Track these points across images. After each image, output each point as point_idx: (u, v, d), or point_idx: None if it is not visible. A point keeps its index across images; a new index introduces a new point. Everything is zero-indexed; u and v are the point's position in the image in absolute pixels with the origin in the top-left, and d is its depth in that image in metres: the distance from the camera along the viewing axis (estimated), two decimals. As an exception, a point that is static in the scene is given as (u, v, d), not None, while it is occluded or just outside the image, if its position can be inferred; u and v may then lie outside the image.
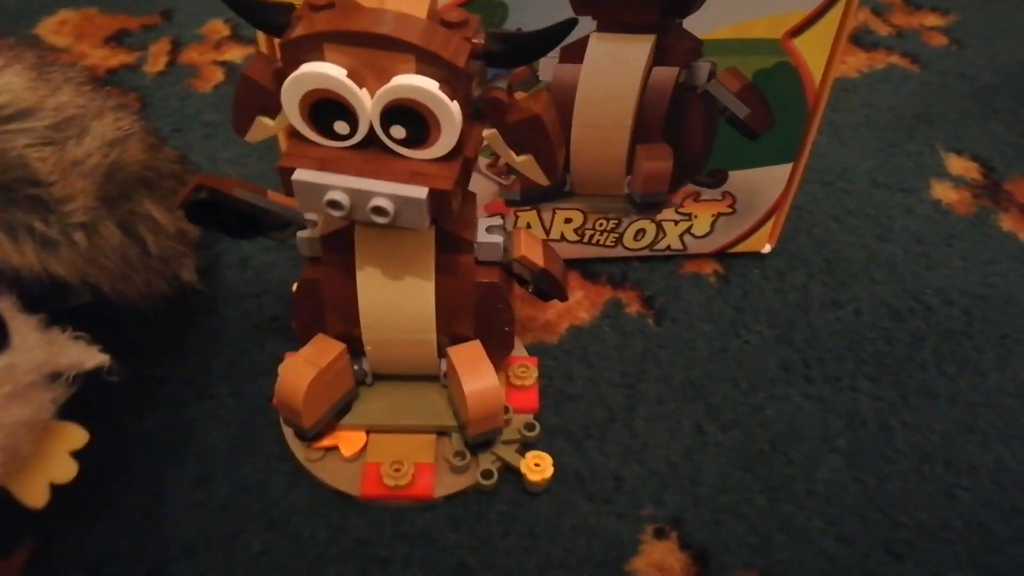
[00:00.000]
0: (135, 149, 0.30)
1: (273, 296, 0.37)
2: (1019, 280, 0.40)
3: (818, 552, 0.30)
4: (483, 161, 0.35)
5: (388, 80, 0.23)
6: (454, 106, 0.23)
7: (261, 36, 0.30)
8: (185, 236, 0.33)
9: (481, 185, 0.36)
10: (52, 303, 0.29)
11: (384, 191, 0.24)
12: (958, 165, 0.47)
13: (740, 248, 0.40)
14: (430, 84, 0.22)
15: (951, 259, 0.41)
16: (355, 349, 0.30)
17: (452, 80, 0.23)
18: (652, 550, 0.30)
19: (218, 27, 0.54)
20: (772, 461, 0.32)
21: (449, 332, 0.30)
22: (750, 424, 0.34)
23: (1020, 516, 0.31)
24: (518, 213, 0.37)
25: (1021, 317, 0.38)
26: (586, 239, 0.39)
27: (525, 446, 0.32)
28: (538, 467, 0.30)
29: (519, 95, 0.26)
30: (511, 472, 0.31)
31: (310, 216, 0.29)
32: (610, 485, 0.31)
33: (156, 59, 0.52)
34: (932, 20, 0.59)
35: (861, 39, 0.57)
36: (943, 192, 0.45)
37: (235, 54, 0.52)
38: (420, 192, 0.24)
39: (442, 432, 0.31)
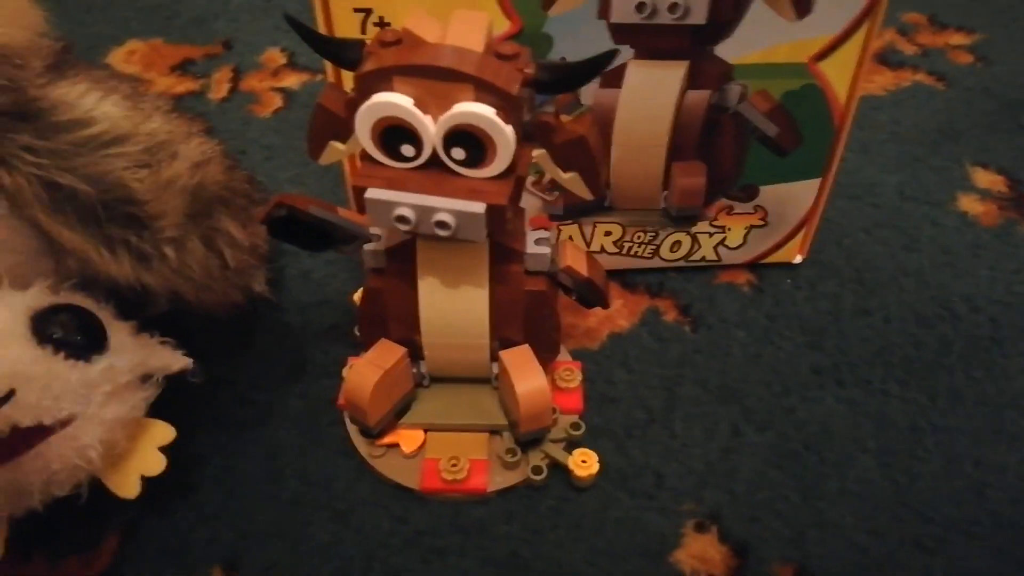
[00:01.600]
0: (216, 170, 0.33)
1: (332, 305, 0.40)
2: (1045, 289, 0.42)
3: (851, 545, 0.32)
4: (529, 179, 0.38)
5: (449, 107, 0.25)
6: (508, 130, 0.26)
7: (330, 67, 0.32)
8: (257, 250, 0.36)
9: (527, 201, 0.38)
10: (137, 311, 0.33)
11: (447, 207, 0.26)
12: (984, 178, 0.48)
13: (772, 259, 0.42)
14: (487, 110, 0.25)
15: (977, 268, 0.43)
16: (414, 353, 0.33)
17: (506, 106, 0.25)
18: (693, 543, 0.32)
19: (275, 56, 0.58)
20: (806, 460, 0.34)
21: (500, 337, 0.32)
22: (784, 425, 0.35)
23: (1047, 514, 0.33)
24: (561, 227, 0.40)
25: (1047, 324, 0.40)
26: (625, 251, 0.41)
27: (571, 444, 0.34)
28: (585, 463, 0.32)
29: (564, 118, 0.29)
30: (559, 469, 0.33)
31: (375, 231, 0.31)
32: (651, 482, 0.33)
33: (219, 86, 0.55)
34: (957, 39, 0.61)
35: (888, 58, 0.58)
36: (969, 204, 0.46)
37: (291, 81, 0.56)
38: (479, 207, 0.26)
39: (494, 431, 0.34)
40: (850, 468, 0.34)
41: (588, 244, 0.41)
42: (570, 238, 0.40)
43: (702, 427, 0.35)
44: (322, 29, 0.32)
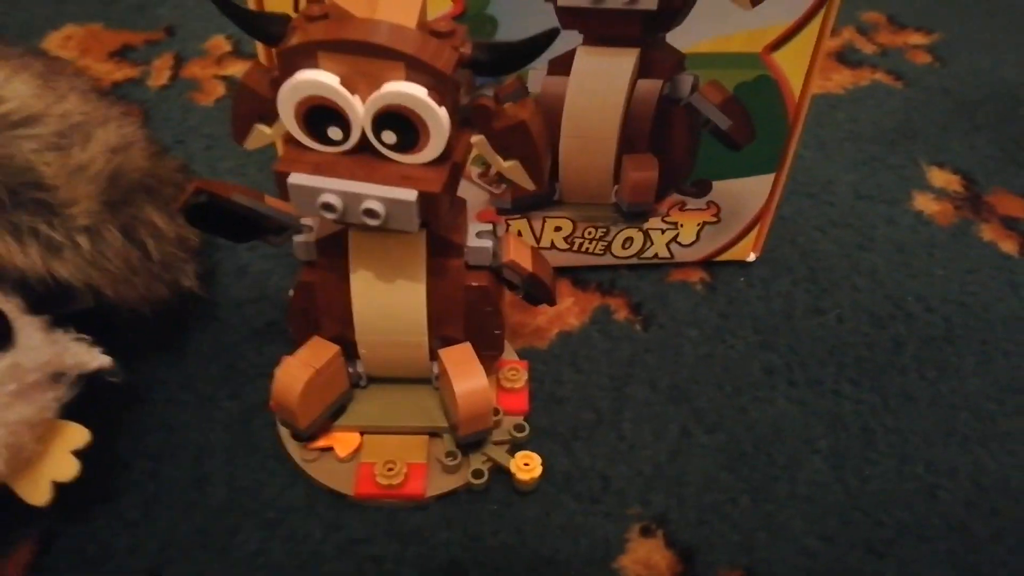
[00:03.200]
0: (138, 156, 0.31)
1: (270, 302, 0.38)
2: (998, 288, 0.41)
3: (800, 550, 0.31)
4: (475, 171, 0.36)
5: (379, 86, 0.24)
6: (442, 112, 0.24)
7: (260, 48, 0.31)
8: (186, 243, 0.34)
9: (473, 194, 0.37)
10: (56, 306, 0.30)
11: (375, 193, 0.25)
12: (940, 178, 0.48)
13: (726, 257, 0.41)
14: (419, 90, 0.24)
15: (932, 268, 0.42)
16: (349, 351, 0.31)
17: (440, 87, 0.24)
18: (638, 548, 0.30)
19: (220, 43, 0.56)
20: (756, 462, 0.33)
21: (440, 335, 0.31)
22: (734, 426, 0.34)
23: (999, 516, 0.32)
24: (509, 221, 0.38)
25: (1000, 323, 0.39)
26: (576, 247, 0.40)
27: (515, 447, 0.32)
28: (527, 467, 0.31)
29: (508, 105, 0.28)
30: (502, 472, 0.32)
31: (306, 221, 0.30)
32: (597, 485, 0.32)
33: (159, 73, 0.53)
34: (916, 39, 0.61)
35: (846, 57, 0.58)
36: (925, 204, 0.46)
37: (236, 69, 0.54)
38: (410, 195, 0.25)
39: (434, 433, 0.32)
40: (800, 470, 0.33)
41: (538, 240, 0.39)
42: (519, 233, 0.39)
43: (651, 428, 0.34)
44: (252, 5, 0.30)
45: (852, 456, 0.34)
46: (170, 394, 0.35)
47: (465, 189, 0.37)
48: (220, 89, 0.52)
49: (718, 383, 0.36)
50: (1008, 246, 0.44)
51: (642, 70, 0.33)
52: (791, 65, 0.34)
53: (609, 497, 0.32)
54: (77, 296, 0.31)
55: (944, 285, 0.41)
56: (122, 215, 0.31)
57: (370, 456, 0.32)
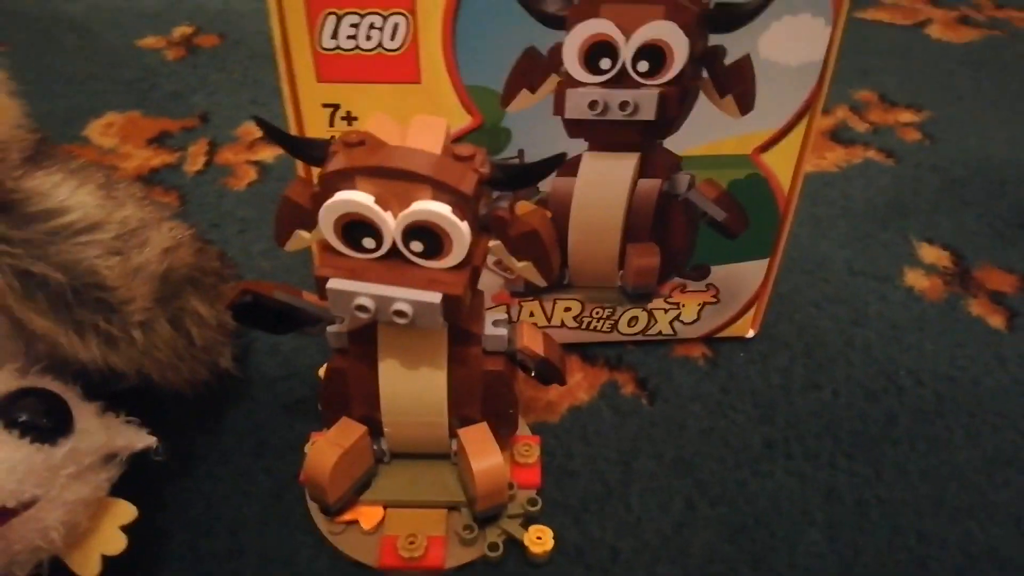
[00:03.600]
0: (185, 253, 0.35)
1: (300, 379, 0.41)
2: (986, 362, 0.43)
3: (798, 620, 0.32)
4: (491, 258, 0.39)
5: (408, 205, 0.27)
6: (464, 225, 0.27)
7: (300, 164, 0.34)
8: (224, 327, 0.37)
9: (489, 279, 0.40)
10: (102, 387, 0.33)
11: (404, 296, 0.28)
12: (930, 253, 0.51)
13: (726, 333, 0.44)
14: (444, 209, 0.27)
15: (923, 343, 0.44)
16: (375, 430, 0.34)
17: (462, 204, 0.27)
18: (645, 618, 0.32)
19: (251, 129, 0.60)
20: (756, 534, 0.35)
21: (459, 415, 0.33)
22: (736, 499, 0.37)
23: (988, 586, 0.34)
24: (522, 303, 0.41)
25: (988, 397, 0.41)
26: (584, 325, 0.43)
27: (529, 520, 0.35)
28: (540, 540, 0.33)
29: (522, 204, 0.31)
30: (516, 544, 0.34)
31: (342, 317, 0.33)
32: (607, 557, 0.34)
33: (195, 159, 0.57)
34: (907, 116, 0.64)
35: (839, 135, 0.61)
36: (915, 279, 0.49)
37: (267, 154, 0.57)
38: (435, 297, 0.28)
39: (453, 507, 0.35)
40: (798, 542, 0.35)
41: (548, 319, 0.42)
42: (531, 314, 0.42)
43: (657, 501, 0.36)
44: (292, 121, 0.34)
45: (847, 528, 0.36)
46: (207, 468, 0.37)
47: (482, 276, 0.39)
48: (252, 174, 0.55)
49: (720, 456, 0.38)
50: (995, 321, 0.46)
51: (642, 171, 0.37)
52: (779, 164, 0.37)
53: (618, 569, 0.34)
54: (123, 379, 0.34)
55: (934, 359, 0.44)
56: (170, 307, 0.34)
57: (393, 529, 0.34)
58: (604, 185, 0.37)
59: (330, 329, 0.32)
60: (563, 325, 0.42)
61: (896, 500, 0.37)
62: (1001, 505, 0.37)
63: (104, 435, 0.31)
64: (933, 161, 0.59)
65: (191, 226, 0.36)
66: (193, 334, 0.35)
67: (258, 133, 0.60)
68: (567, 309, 0.42)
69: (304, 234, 0.30)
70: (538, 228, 0.29)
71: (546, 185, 0.37)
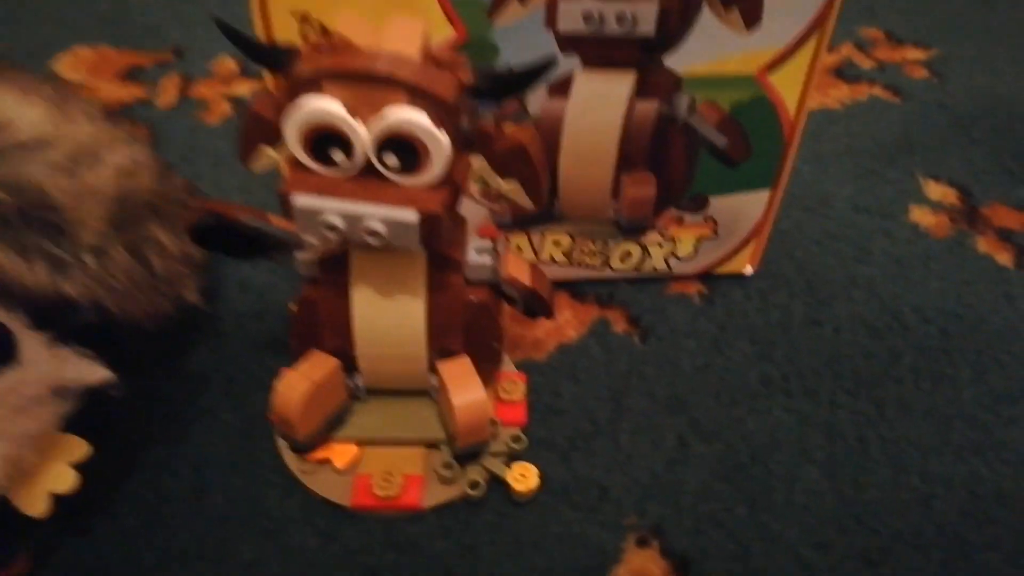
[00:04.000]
0: (145, 178, 0.32)
1: (272, 316, 0.39)
2: (994, 300, 0.42)
3: (795, 559, 0.31)
4: (476, 188, 0.37)
5: (382, 112, 0.25)
6: (443, 136, 0.25)
7: (267, 74, 0.32)
8: (189, 258, 0.35)
9: (473, 210, 0.38)
10: (60, 322, 0.31)
11: (378, 214, 0.25)
12: (936, 191, 0.48)
13: (723, 270, 0.41)
14: (421, 117, 0.24)
15: (928, 280, 0.43)
16: (349, 365, 0.32)
17: (441, 113, 0.25)
18: (634, 558, 0.31)
19: (227, 63, 0.57)
20: (752, 472, 0.34)
21: (439, 348, 0.31)
22: (731, 437, 0.35)
23: (993, 524, 0.32)
24: (509, 237, 0.39)
25: (995, 334, 0.40)
26: (574, 261, 0.40)
27: (512, 458, 0.33)
28: (523, 477, 0.32)
29: (509, 127, 0.28)
30: (499, 483, 0.32)
31: (309, 239, 0.30)
32: (595, 495, 0.33)
33: (167, 93, 0.54)
34: (914, 54, 0.61)
35: (844, 72, 0.59)
36: (921, 216, 0.47)
37: (243, 89, 0.55)
38: (411, 216, 0.25)
39: (432, 445, 0.33)
40: (797, 480, 0.33)
41: (537, 254, 0.40)
42: (518, 248, 0.39)
43: (648, 439, 0.35)
44: (260, 33, 0.31)
45: (848, 466, 0.34)
46: (171, 408, 0.35)
47: (465, 205, 0.37)
48: (227, 109, 0.53)
49: (715, 394, 0.37)
50: (1003, 258, 0.44)
51: (639, 91, 0.34)
52: (786, 86, 0.34)
53: (606, 507, 0.32)
54: (81, 312, 0.32)
55: (940, 297, 0.42)
56: (128, 234, 0.32)
57: (367, 468, 0.32)
58: (598, 106, 0.34)
59: (299, 256, 0.30)
60: (552, 261, 0.40)
61: (899, 438, 0.35)
62: (1008, 443, 0.35)
63: (53, 367, 0.29)
64: (940, 99, 0.56)
65: (150, 148, 0.33)
66: (153, 263, 0.32)
67: (235, 67, 0.57)
68: (556, 243, 0.40)
69: (270, 151, 0.28)
70: (526, 143, 0.27)
71: (536, 107, 0.34)
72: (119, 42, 0.59)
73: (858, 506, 0.33)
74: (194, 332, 0.38)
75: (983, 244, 0.45)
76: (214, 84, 0.55)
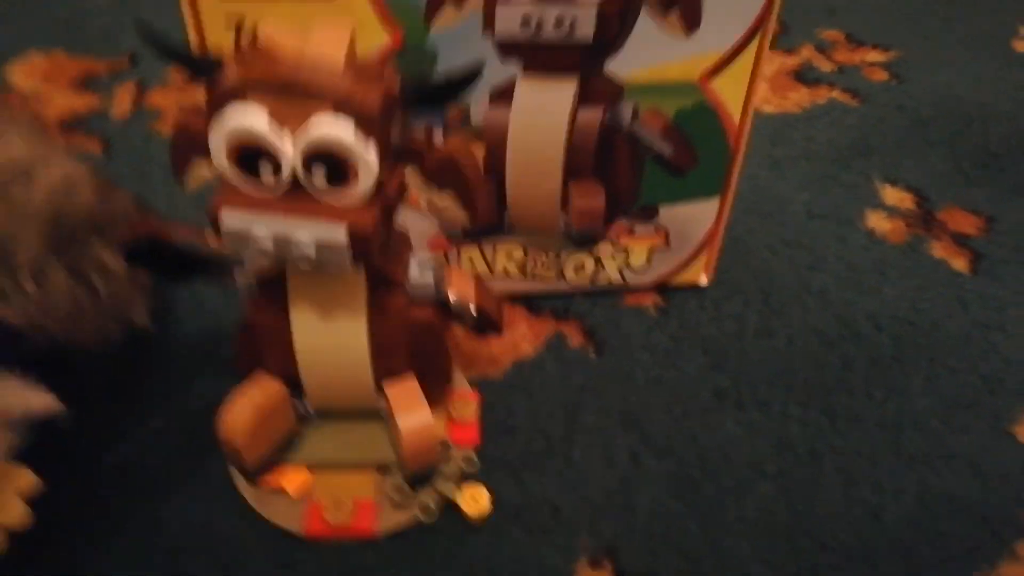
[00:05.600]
0: (84, 195, 0.31)
1: (226, 338, 0.38)
2: (947, 306, 0.42)
3: (746, 576, 0.31)
4: (424, 200, 0.37)
5: (307, 125, 0.24)
6: (370, 150, 0.24)
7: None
8: (137, 280, 0.34)
9: (423, 223, 0.37)
10: (2, 350, 0.30)
11: (305, 232, 0.25)
12: (893, 195, 0.49)
13: (678, 280, 0.41)
14: (344, 131, 0.24)
15: (883, 286, 0.43)
16: (295, 387, 0.31)
17: (367, 125, 0.24)
18: (585, 578, 0.31)
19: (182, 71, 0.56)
20: (704, 488, 0.34)
21: (386, 369, 0.31)
22: (683, 452, 0.35)
23: (944, 537, 0.32)
24: (461, 249, 0.39)
25: (948, 342, 0.40)
26: (528, 274, 0.40)
27: (465, 479, 0.33)
28: (475, 501, 0.31)
29: (440, 141, 0.28)
30: (452, 506, 0.32)
31: (251, 262, 0.30)
32: (547, 515, 0.32)
33: (122, 102, 0.53)
34: (873, 56, 0.61)
35: (804, 75, 0.59)
36: (877, 222, 0.47)
37: (200, 97, 0.54)
38: (339, 233, 0.25)
39: (384, 468, 0.32)
40: (748, 495, 0.33)
41: (491, 267, 0.40)
42: (471, 260, 0.39)
43: (601, 455, 0.35)
44: (193, 40, 0.30)
45: (799, 479, 0.34)
46: (124, 434, 0.35)
47: (417, 219, 0.37)
48: (180, 119, 0.52)
49: (668, 407, 0.36)
50: (959, 263, 0.44)
51: (582, 99, 0.34)
52: (729, 92, 0.34)
53: (558, 528, 0.32)
54: (24, 339, 0.31)
55: (894, 304, 0.42)
56: (69, 256, 0.31)
57: (320, 493, 0.32)
58: (541, 114, 0.34)
59: (238, 277, 0.29)
60: (506, 274, 0.40)
61: (850, 449, 0.35)
62: (958, 451, 0.35)
63: (-6, 397, 0.28)
64: (899, 101, 0.57)
65: (89, 164, 0.32)
66: (98, 286, 0.32)
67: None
68: (509, 256, 0.39)
69: (204, 166, 0.27)
70: (455, 155, 0.27)
71: (479, 116, 0.34)
72: (74, 47, 0.58)
73: (809, 521, 0.33)
74: (146, 356, 0.37)
75: (938, 249, 0.45)
76: (169, 92, 0.54)
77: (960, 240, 0.46)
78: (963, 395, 0.38)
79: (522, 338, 0.39)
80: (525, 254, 0.39)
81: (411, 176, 0.28)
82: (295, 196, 0.26)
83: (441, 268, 0.31)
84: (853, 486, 0.34)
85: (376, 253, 0.26)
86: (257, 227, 0.25)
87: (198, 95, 0.53)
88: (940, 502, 0.34)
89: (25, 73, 0.56)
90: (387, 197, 0.26)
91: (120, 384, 0.36)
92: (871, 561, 0.32)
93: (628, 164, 0.36)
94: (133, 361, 0.37)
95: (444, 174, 0.27)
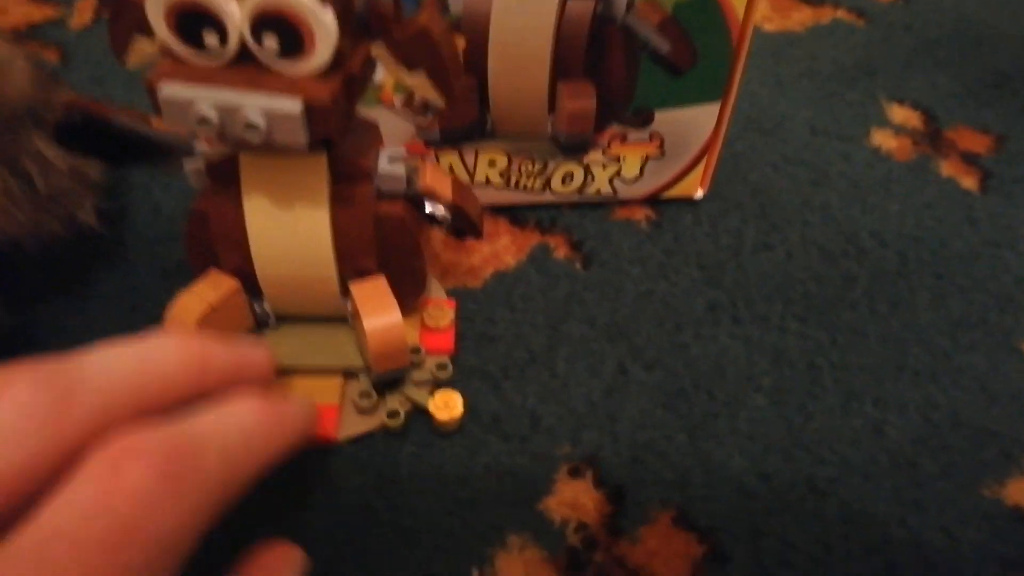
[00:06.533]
0: (19, 81, 0.29)
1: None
2: (956, 223, 0.39)
3: (738, 488, 0.29)
4: (398, 99, 0.34)
5: (257, -18, 0.22)
6: (327, 13, 0.22)
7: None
8: (83, 176, 0.32)
9: (399, 126, 0.35)
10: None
11: (255, 103, 0.22)
12: (899, 114, 0.46)
13: (672, 193, 0.39)
14: (298, -12, 0.21)
15: (888, 203, 0.40)
16: (254, 288, 0.29)
17: (324, -16, 0.22)
18: (565, 488, 0.29)
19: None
20: (694, 399, 0.31)
21: (351, 268, 0.29)
22: (674, 363, 0.33)
23: (948, 451, 0.30)
24: (439, 154, 0.36)
25: (956, 258, 0.38)
26: (512, 184, 0.38)
27: (437, 386, 0.30)
28: (446, 406, 0.29)
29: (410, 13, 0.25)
30: (424, 414, 0.30)
31: (201, 146, 0.27)
32: (526, 424, 0.30)
33: (81, 13, 0.50)
34: (880, -24, 0.58)
35: (808, -6, 0.56)
36: (883, 139, 0.44)
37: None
38: (294, 106, 0.22)
39: (350, 373, 0.30)
40: (741, 407, 0.31)
41: (471, 175, 0.37)
42: (451, 167, 0.36)
43: (586, 366, 0.32)
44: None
45: (796, 393, 0.32)
46: (68, 339, 0.32)
47: (390, 120, 0.34)
48: (145, 29, 0.49)
49: (659, 320, 0.34)
50: (968, 182, 0.42)
51: (571, -16, 0.31)
52: (731, -20, 0.31)
53: (538, 437, 0.30)
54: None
55: (900, 220, 0.39)
56: (3, 145, 0.28)
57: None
58: (527, 2, 0.31)
59: (186, 164, 0.27)
60: (488, 183, 0.37)
61: (852, 364, 0.33)
62: (966, 368, 0.33)
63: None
64: (906, 21, 0.54)
65: (26, 53, 0.30)
66: (35, 177, 0.29)
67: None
68: (492, 163, 0.37)
69: (146, 42, 0.25)
70: (429, 27, 0.24)
71: (457, 4, 0.31)
72: (32, -37, 0.55)
73: (805, 434, 0.31)
74: (95, 259, 0.35)
75: (947, 167, 0.43)
76: (134, 5, 0.51)
77: (969, 159, 0.43)
78: (971, 312, 0.36)
79: (504, 250, 0.37)
80: (509, 162, 0.37)
81: (379, 54, 0.25)
82: (244, 67, 0.23)
83: (415, 162, 0.28)
84: (853, 400, 0.32)
85: (337, 132, 0.24)
86: (201, 97, 0.23)
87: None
88: (946, 417, 0.32)
89: (-17, -13, 0.52)
90: (349, 71, 0.24)
91: (67, 288, 0.34)
92: (870, 475, 0.30)
93: (622, 62, 0.34)
94: (82, 264, 0.34)
95: (416, 49, 0.25)
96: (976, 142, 0.45)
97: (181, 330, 0.26)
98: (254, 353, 0.23)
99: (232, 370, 0.22)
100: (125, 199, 0.37)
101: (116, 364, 0.19)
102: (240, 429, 0.20)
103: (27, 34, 0.48)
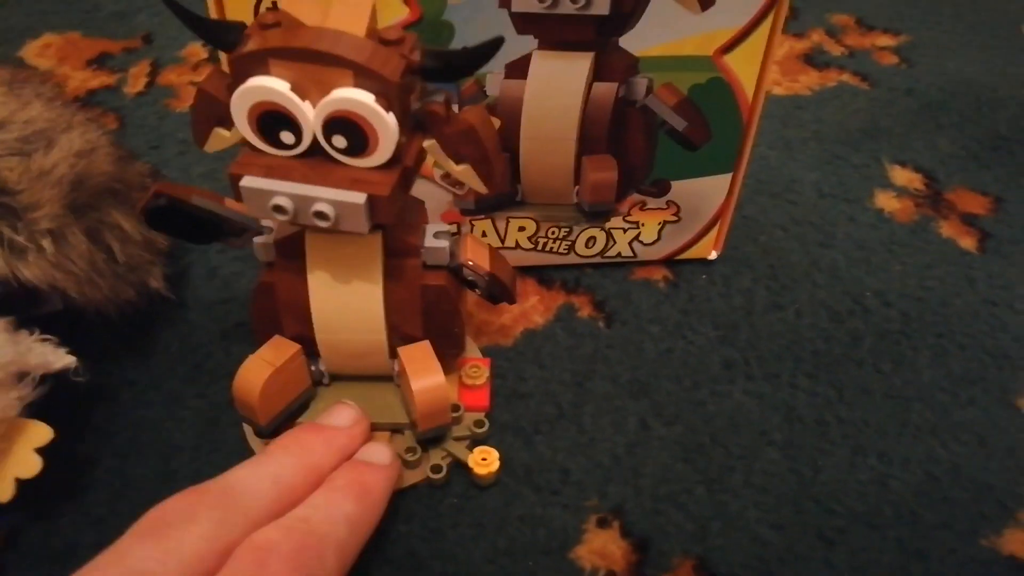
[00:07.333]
0: (102, 161, 0.32)
1: (239, 303, 0.39)
2: (955, 283, 0.42)
3: (753, 538, 0.31)
4: (438, 173, 0.37)
5: (328, 93, 0.25)
6: (389, 117, 0.25)
7: (223, 54, 0.31)
8: (153, 245, 0.35)
9: (437, 196, 0.38)
10: (23, 308, 0.31)
11: (325, 196, 0.25)
12: (902, 176, 0.49)
13: (688, 255, 0.42)
14: (366, 97, 0.24)
15: (891, 264, 0.43)
16: (311, 350, 0.32)
17: (388, 93, 0.25)
18: (595, 538, 0.31)
19: (196, 50, 0.57)
20: (712, 453, 0.34)
21: (400, 333, 0.32)
22: (692, 419, 0.35)
23: (949, 504, 0.33)
24: (473, 222, 0.39)
25: (956, 318, 0.40)
26: (540, 247, 0.41)
27: (475, 442, 0.33)
28: (485, 461, 0.32)
29: (467, 108, 0.28)
30: (462, 468, 0.32)
31: (266, 223, 0.30)
32: (557, 477, 0.33)
33: (136, 80, 0.54)
34: (884, 40, 0.62)
35: (814, 59, 0.59)
36: (886, 201, 0.47)
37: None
38: (359, 198, 0.26)
39: (396, 430, 0.33)
40: (755, 461, 0.34)
41: (502, 240, 0.40)
42: (484, 233, 0.40)
43: (611, 421, 0.35)
44: (213, 12, 0.31)
45: (806, 447, 0.34)
46: (138, 394, 0.35)
47: (429, 191, 0.37)
48: (195, 96, 0.52)
49: (677, 377, 0.37)
50: (967, 242, 0.45)
51: (597, 73, 0.34)
52: (743, 67, 0.34)
53: (568, 489, 0.33)
54: (43, 298, 0.32)
55: (902, 280, 0.42)
56: (87, 219, 0.32)
57: (333, 452, 0.32)
58: (556, 88, 0.34)
59: (256, 240, 0.30)
60: (518, 246, 0.40)
61: (858, 420, 0.36)
62: (966, 424, 0.36)
63: (13, 351, 0.29)
64: (909, 84, 0.57)
65: (108, 132, 0.33)
66: (114, 249, 0.32)
67: (203, 54, 0.56)
68: (521, 229, 0.40)
69: (223, 132, 0.28)
70: (475, 123, 0.27)
71: (494, 89, 0.34)
72: (88, 29, 0.59)
73: (815, 486, 0.33)
74: (160, 320, 0.38)
75: (947, 228, 0.45)
76: (183, 71, 0.55)
77: (968, 220, 0.46)
78: (970, 370, 0.38)
79: (533, 309, 0.40)
80: (537, 228, 0.40)
81: (430, 147, 0.28)
82: (315, 161, 0.26)
83: (456, 236, 0.31)
84: (860, 455, 0.34)
85: (393, 218, 0.27)
86: (278, 189, 0.26)
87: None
88: (946, 472, 0.34)
89: (40, 53, 0.56)
90: (405, 164, 0.27)
91: (136, 346, 0.37)
92: (876, 526, 0.32)
93: (642, 138, 0.37)
94: (150, 324, 0.37)
95: (463, 143, 0.28)
96: (975, 203, 0.47)
97: (296, 446, 0.29)
98: (351, 432, 0.29)
99: (338, 461, 0.28)
100: (185, 262, 0.40)
101: (257, 485, 0.26)
102: (347, 520, 0.26)
103: (85, 100, 0.52)
